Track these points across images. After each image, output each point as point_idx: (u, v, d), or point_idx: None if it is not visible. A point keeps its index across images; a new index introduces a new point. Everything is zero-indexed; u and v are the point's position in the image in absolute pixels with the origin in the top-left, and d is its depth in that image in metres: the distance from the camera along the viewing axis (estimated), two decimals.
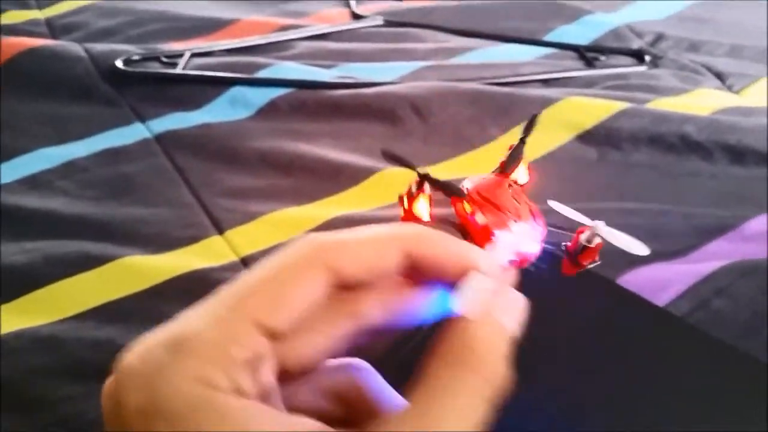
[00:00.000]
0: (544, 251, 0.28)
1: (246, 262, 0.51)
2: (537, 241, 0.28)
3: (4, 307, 0.47)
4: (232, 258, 0.52)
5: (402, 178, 0.61)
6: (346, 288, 0.24)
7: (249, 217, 0.56)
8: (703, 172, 0.61)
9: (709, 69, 0.78)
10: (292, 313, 0.22)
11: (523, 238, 0.28)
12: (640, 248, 0.29)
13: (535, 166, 0.60)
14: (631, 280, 0.48)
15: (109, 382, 0.22)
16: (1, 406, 0.41)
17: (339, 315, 0.25)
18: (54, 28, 0.89)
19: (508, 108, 0.67)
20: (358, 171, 0.60)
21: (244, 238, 0.54)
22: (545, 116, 0.66)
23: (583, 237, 0.29)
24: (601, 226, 0.29)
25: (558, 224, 0.29)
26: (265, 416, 0.21)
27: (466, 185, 0.30)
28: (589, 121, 0.64)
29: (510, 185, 0.30)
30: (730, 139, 0.62)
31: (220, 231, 0.55)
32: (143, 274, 0.50)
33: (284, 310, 0.22)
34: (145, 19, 0.89)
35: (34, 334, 0.45)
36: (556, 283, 0.42)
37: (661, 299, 0.46)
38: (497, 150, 0.64)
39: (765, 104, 0.70)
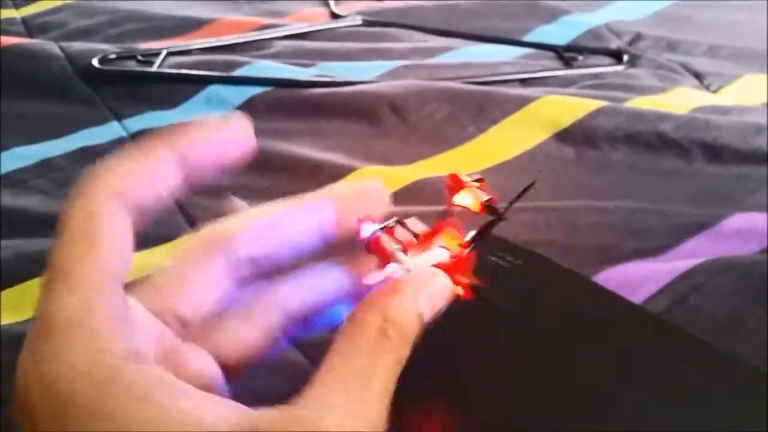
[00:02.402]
0: None
1: None
2: None
3: None
4: None
5: (378, 177, 0.61)
6: (265, 274, 0.26)
7: (225, 216, 0.55)
8: (681, 170, 0.61)
9: (687, 68, 0.78)
10: (191, 297, 0.24)
11: None
12: None
13: (512, 165, 0.61)
14: (608, 278, 0.48)
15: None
16: None
17: (262, 304, 0.26)
18: (30, 27, 0.88)
19: (485, 106, 0.67)
20: (337, 170, 0.60)
21: None
22: (523, 115, 0.66)
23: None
24: None
25: None
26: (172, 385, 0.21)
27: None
28: (566, 120, 0.64)
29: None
30: (707, 137, 0.62)
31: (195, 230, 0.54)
32: None
33: (182, 295, 0.24)
34: (122, 19, 0.88)
35: (7, 332, 0.44)
36: (531, 282, 0.42)
37: (637, 297, 0.46)
38: (475, 148, 0.64)
39: (742, 103, 0.71)
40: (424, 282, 0.25)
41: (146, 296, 0.24)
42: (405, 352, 0.23)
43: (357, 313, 0.24)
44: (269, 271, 0.26)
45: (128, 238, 0.23)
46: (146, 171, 0.24)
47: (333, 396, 0.21)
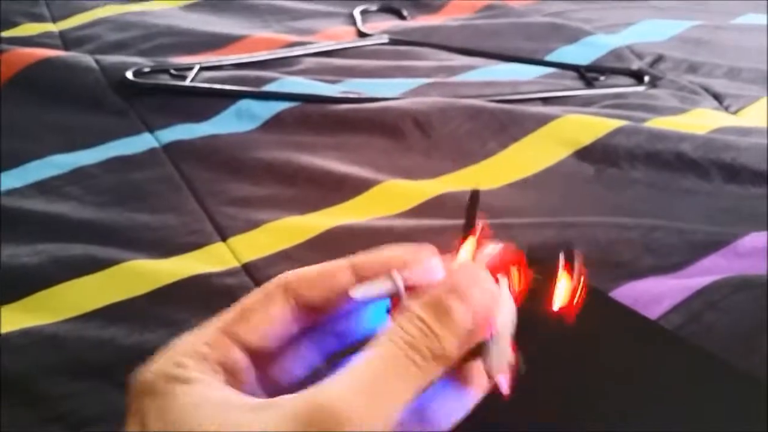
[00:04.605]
0: None
1: (248, 268, 0.52)
2: None
3: (12, 305, 0.49)
4: (234, 264, 0.53)
5: (401, 191, 0.63)
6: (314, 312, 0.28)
7: (252, 224, 0.57)
8: (699, 189, 0.61)
9: (707, 90, 0.79)
10: (258, 327, 0.27)
11: None
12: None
13: (532, 181, 0.62)
14: (625, 293, 0.48)
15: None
16: (5, 401, 0.42)
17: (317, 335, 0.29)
18: (67, 40, 0.91)
19: (507, 124, 0.68)
20: (361, 182, 0.62)
21: (247, 244, 0.55)
22: (544, 132, 0.67)
23: None
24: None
25: None
26: (223, 388, 0.25)
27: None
28: (586, 138, 0.65)
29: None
30: (726, 158, 0.63)
31: (223, 238, 0.56)
32: (147, 277, 0.51)
33: (250, 324, 0.27)
34: (155, 33, 0.91)
35: (39, 332, 0.46)
36: (548, 296, 0.42)
37: (654, 312, 0.46)
38: (496, 164, 0.65)
39: (761, 124, 0.71)
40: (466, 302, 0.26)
41: (225, 320, 0.27)
42: (432, 371, 0.25)
43: (394, 324, 0.25)
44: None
45: (273, 313, 0.27)
46: (316, 272, 0.28)
47: (354, 388, 0.23)
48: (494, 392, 0.27)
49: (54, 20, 0.95)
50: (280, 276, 0.28)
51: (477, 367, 0.28)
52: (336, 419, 0.22)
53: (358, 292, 0.27)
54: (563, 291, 0.29)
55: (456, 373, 0.28)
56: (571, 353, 0.39)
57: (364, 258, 0.28)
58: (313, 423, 0.22)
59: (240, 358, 0.27)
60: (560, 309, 0.29)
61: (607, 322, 0.42)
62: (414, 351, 0.24)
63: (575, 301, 0.29)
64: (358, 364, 0.24)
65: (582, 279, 0.28)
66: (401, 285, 0.27)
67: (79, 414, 0.41)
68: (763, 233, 0.54)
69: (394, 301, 0.28)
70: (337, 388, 0.23)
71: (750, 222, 0.56)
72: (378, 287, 0.27)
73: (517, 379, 0.27)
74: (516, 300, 0.28)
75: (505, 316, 0.27)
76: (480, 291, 0.26)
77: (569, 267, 0.29)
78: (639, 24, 0.96)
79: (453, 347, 0.25)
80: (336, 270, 0.28)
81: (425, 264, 0.28)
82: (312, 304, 0.28)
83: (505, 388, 0.27)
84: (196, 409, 0.23)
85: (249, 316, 0.27)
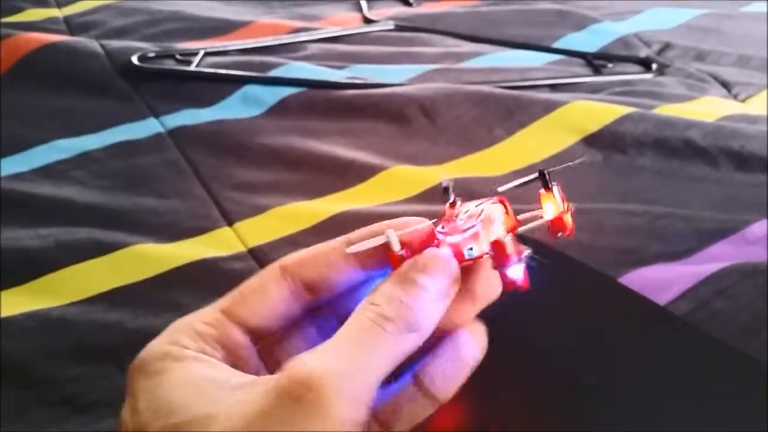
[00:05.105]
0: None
1: (254, 252, 0.52)
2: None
3: (17, 288, 0.49)
4: (240, 249, 0.53)
5: (407, 177, 0.63)
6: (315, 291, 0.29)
7: (258, 209, 0.57)
8: (707, 176, 0.61)
9: (716, 78, 0.78)
10: (256, 307, 0.28)
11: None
12: None
13: (540, 168, 0.62)
14: (633, 280, 0.48)
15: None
16: (10, 383, 0.42)
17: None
18: (72, 25, 0.90)
19: (513, 110, 0.68)
20: (366, 168, 0.61)
21: (253, 229, 0.55)
22: (551, 119, 0.67)
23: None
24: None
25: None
26: (215, 366, 0.25)
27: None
28: (594, 125, 0.65)
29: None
30: (734, 145, 0.62)
31: (229, 222, 0.56)
32: (152, 261, 0.51)
33: (248, 304, 0.28)
34: (160, 19, 0.91)
35: (45, 315, 0.46)
36: (558, 281, 0.42)
37: (662, 299, 0.46)
38: (503, 151, 0.65)
39: None
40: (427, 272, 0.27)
41: (224, 301, 0.28)
42: (406, 338, 0.25)
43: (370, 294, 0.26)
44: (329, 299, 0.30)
45: (270, 293, 0.28)
46: (312, 250, 0.29)
47: (331, 359, 0.24)
48: (511, 290, 0.27)
49: (59, 6, 0.95)
50: (279, 260, 0.29)
51: (469, 313, 0.28)
52: (313, 389, 0.23)
53: (353, 248, 0.28)
54: (552, 209, 0.29)
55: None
56: (580, 337, 0.39)
57: (358, 232, 0.29)
58: (292, 395, 0.23)
59: (240, 338, 0.27)
60: (555, 223, 0.28)
61: (615, 307, 0.42)
62: (384, 320, 0.25)
63: (566, 213, 0.28)
64: (335, 337, 0.25)
65: (563, 195, 0.28)
66: (394, 236, 0.27)
67: (85, 397, 0.41)
68: None
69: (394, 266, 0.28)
70: (314, 360, 0.24)
71: (758, 210, 0.56)
72: (371, 241, 0.28)
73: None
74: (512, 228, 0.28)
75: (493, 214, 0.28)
76: (442, 263, 0.27)
77: (548, 188, 0.29)
78: (646, 12, 0.96)
79: (423, 313, 0.26)
80: (331, 247, 0.29)
81: (416, 225, 0.28)
82: (310, 283, 0.28)
83: (518, 279, 0.27)
84: (184, 386, 0.24)
85: (247, 298, 0.28)
